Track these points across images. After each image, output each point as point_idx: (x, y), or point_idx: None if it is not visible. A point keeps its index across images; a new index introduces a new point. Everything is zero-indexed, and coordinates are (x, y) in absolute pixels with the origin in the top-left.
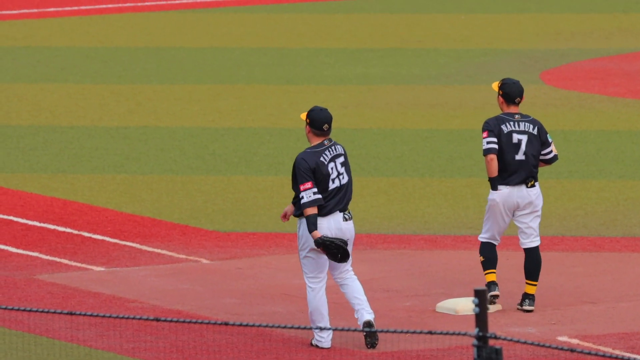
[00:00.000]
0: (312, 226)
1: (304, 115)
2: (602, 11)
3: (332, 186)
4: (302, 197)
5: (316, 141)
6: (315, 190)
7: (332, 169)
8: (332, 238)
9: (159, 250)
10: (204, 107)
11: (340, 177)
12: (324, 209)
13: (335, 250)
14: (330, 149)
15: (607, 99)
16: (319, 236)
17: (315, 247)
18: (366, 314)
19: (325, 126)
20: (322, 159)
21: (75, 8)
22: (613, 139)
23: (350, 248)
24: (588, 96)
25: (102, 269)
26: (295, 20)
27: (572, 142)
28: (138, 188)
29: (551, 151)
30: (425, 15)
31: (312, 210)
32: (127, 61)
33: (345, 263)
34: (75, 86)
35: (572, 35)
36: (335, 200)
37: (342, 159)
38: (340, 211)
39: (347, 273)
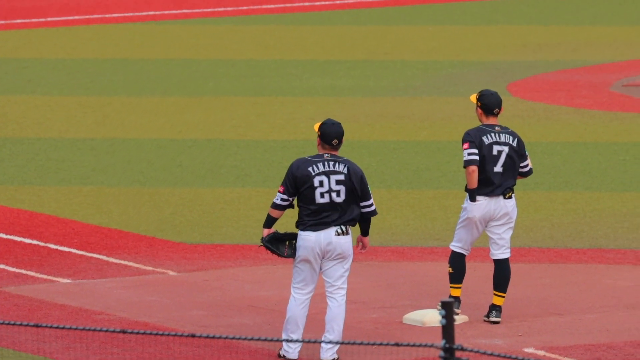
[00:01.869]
0: (266, 223)
1: (316, 127)
2: (569, 23)
3: (320, 200)
4: (276, 198)
5: (319, 152)
6: (286, 197)
7: (320, 182)
8: (274, 243)
9: (125, 262)
10: (171, 119)
11: (334, 194)
12: (313, 223)
13: (274, 253)
14: (326, 163)
15: (574, 111)
16: (265, 235)
17: (303, 259)
18: (326, 353)
19: (335, 141)
20: (310, 169)
21: (42, 20)
22: (579, 151)
23: (345, 264)
24: (554, 108)
25: (69, 281)
26: (263, 32)
27: (539, 154)
28: (105, 200)
29: (527, 164)
30: (393, 27)
31: (274, 213)
32: (94, 73)
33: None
34: (42, 98)
35: (539, 47)
36: (329, 216)
37: (340, 177)
38: (335, 226)
39: (338, 290)
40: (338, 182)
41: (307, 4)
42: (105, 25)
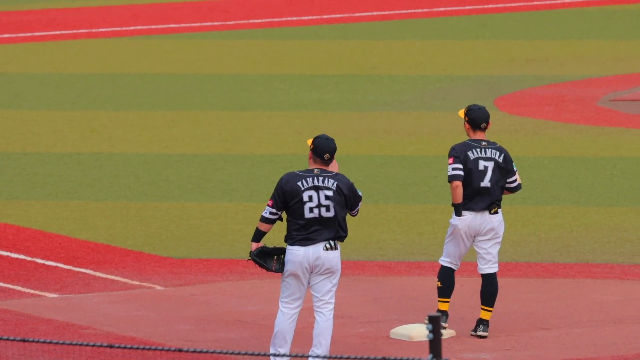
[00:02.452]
0: (255, 237)
1: (309, 141)
2: (556, 38)
3: (309, 215)
4: (264, 211)
5: (310, 167)
6: (274, 211)
7: (309, 197)
8: (262, 257)
9: (112, 277)
10: (158, 133)
11: (323, 209)
12: (302, 238)
13: (262, 267)
14: (316, 178)
15: (561, 126)
16: (253, 249)
17: (291, 274)
18: None
19: (327, 156)
20: (299, 183)
21: (29, 34)
22: (567, 165)
23: (333, 279)
24: (542, 122)
25: (56, 295)
26: (250, 47)
27: (526, 168)
28: (92, 214)
29: (516, 180)
30: (380, 42)
31: (263, 227)
32: (81, 87)
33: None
34: (29, 112)
35: (526, 62)
36: (317, 231)
37: (329, 192)
38: (324, 241)
39: (326, 304)
40: (327, 197)
41: (294, 18)
42: (92, 39)
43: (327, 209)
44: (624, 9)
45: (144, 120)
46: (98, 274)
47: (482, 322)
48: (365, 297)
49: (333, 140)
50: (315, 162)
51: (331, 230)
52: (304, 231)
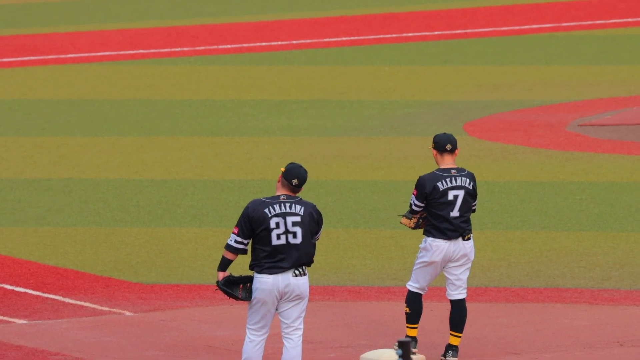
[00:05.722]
0: (221, 266)
1: (283, 168)
2: (524, 63)
3: (276, 242)
4: (230, 239)
5: (277, 192)
6: (239, 239)
7: (277, 223)
8: (229, 286)
9: (82, 303)
10: (128, 159)
11: (290, 235)
12: (270, 265)
13: (230, 296)
14: (283, 205)
15: (530, 150)
16: (220, 279)
17: (260, 301)
18: None
19: (295, 181)
20: (266, 210)
21: None
22: (536, 190)
23: (302, 305)
24: (511, 147)
25: (25, 321)
26: (219, 72)
27: (496, 193)
28: (61, 240)
29: (474, 203)
30: (349, 67)
31: (229, 255)
32: (50, 113)
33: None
34: None
35: (495, 87)
36: (285, 258)
37: (296, 218)
38: (292, 268)
39: (295, 331)
40: (295, 224)
41: (263, 44)
42: (60, 65)
43: (294, 235)
44: (592, 35)
45: (113, 145)
46: (67, 299)
47: (451, 348)
48: (335, 322)
49: (306, 170)
50: (283, 186)
51: (299, 256)
52: (272, 259)
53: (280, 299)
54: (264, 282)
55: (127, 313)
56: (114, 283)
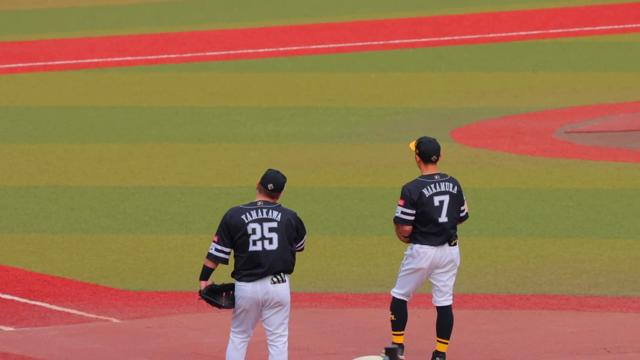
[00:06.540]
0: (203, 275)
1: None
2: (511, 70)
3: (253, 248)
4: (210, 248)
5: (256, 199)
6: (219, 247)
7: (253, 229)
8: (212, 295)
9: (69, 310)
10: (115, 166)
11: (266, 241)
12: (248, 273)
13: (213, 304)
14: (260, 211)
15: (517, 157)
16: (203, 288)
17: (242, 309)
18: None
19: (270, 186)
20: (243, 216)
21: None
22: (523, 197)
23: (284, 312)
24: (498, 154)
25: (12, 329)
26: (206, 79)
27: (482, 200)
28: (48, 247)
29: (464, 209)
30: (336, 74)
31: (210, 264)
32: (37, 120)
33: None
34: None
35: (482, 94)
36: (261, 264)
37: (273, 224)
38: (270, 275)
39: (279, 338)
40: (271, 230)
41: (250, 51)
42: (48, 72)
43: (270, 241)
44: (579, 42)
45: (100, 152)
46: (54, 307)
47: (438, 355)
48: (322, 329)
49: (284, 176)
50: (260, 192)
51: (276, 263)
52: (248, 265)
53: (262, 306)
54: (243, 290)
55: (114, 320)
56: (100, 290)
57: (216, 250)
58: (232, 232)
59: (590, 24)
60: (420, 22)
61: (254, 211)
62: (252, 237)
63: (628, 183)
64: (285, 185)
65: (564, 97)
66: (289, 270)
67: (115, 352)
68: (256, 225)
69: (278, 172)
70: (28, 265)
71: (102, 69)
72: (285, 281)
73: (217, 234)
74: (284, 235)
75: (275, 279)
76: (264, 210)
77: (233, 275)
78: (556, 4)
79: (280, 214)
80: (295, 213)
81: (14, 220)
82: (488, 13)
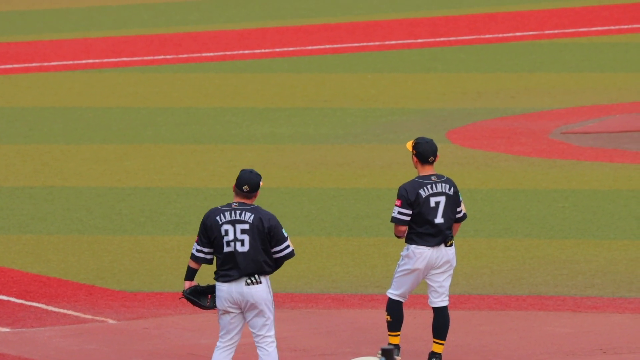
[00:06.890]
0: (187, 275)
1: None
2: (507, 71)
3: (226, 249)
4: (193, 248)
5: (233, 200)
6: (199, 247)
7: (226, 231)
8: (195, 296)
9: (65, 311)
10: (111, 166)
11: (238, 243)
12: (223, 274)
13: (196, 305)
14: (233, 212)
15: (513, 158)
16: (186, 288)
17: (222, 310)
18: None
19: (245, 187)
20: (218, 217)
21: None
22: (519, 198)
23: (264, 313)
24: (494, 155)
25: (8, 329)
26: (202, 80)
27: (478, 201)
28: (44, 248)
29: (461, 210)
30: (332, 75)
31: (192, 264)
32: (33, 121)
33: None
34: None
35: (478, 95)
36: (234, 266)
37: (245, 226)
38: (244, 277)
39: (264, 339)
40: (243, 232)
41: (246, 51)
42: (44, 73)
43: (242, 243)
44: (575, 42)
45: (96, 153)
46: (50, 307)
47: (434, 355)
48: (318, 329)
49: (258, 175)
50: (236, 194)
51: (249, 265)
52: (225, 267)
53: (242, 309)
54: (220, 290)
55: (110, 321)
56: (96, 291)
57: (197, 250)
58: (208, 232)
59: (586, 25)
60: (416, 22)
61: (228, 212)
62: (226, 239)
63: (624, 184)
64: (261, 183)
65: (560, 97)
66: (263, 272)
67: (112, 353)
68: (229, 227)
69: (252, 171)
70: (24, 266)
71: (98, 69)
72: (260, 282)
73: (197, 235)
74: (256, 237)
75: (249, 281)
76: (237, 212)
77: (214, 275)
78: (552, 5)
79: (252, 215)
80: (272, 216)
81: (9, 221)
82: (484, 14)
